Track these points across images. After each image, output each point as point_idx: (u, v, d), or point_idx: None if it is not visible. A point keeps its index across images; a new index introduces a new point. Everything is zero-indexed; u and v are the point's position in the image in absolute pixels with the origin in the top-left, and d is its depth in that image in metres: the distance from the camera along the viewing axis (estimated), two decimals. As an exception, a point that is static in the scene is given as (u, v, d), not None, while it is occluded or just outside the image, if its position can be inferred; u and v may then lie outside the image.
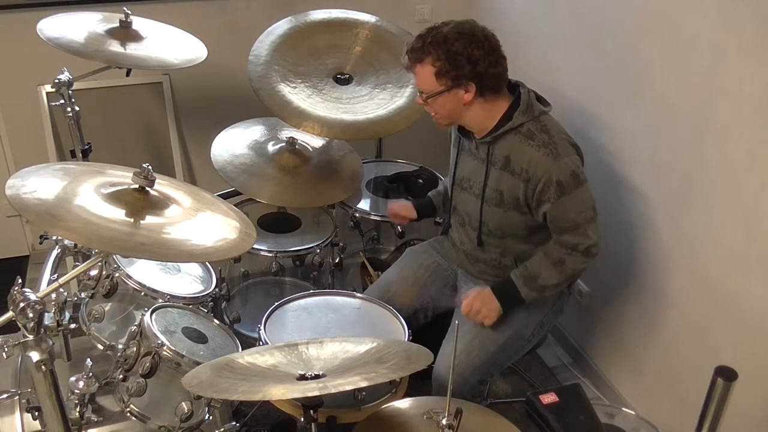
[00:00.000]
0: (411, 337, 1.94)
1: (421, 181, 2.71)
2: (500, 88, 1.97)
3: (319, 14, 2.69)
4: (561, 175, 1.90)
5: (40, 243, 2.15)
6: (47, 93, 2.88)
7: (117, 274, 1.93)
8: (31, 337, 1.27)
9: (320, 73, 2.59)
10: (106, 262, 1.92)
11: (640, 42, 2.22)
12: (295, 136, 2.55)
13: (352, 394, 1.75)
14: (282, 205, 2.62)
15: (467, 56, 1.88)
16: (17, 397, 1.83)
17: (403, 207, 2.40)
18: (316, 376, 1.50)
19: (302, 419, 1.59)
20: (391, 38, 2.70)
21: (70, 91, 2.34)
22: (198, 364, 1.69)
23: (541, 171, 1.90)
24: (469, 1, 3.26)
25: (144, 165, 1.55)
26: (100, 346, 1.92)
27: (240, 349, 1.91)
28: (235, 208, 1.76)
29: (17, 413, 1.86)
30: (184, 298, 2.03)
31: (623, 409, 1.99)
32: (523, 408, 1.60)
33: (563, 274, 2.00)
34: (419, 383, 1.90)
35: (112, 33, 2.37)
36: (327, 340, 1.69)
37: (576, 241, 1.95)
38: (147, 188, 1.56)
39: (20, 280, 1.36)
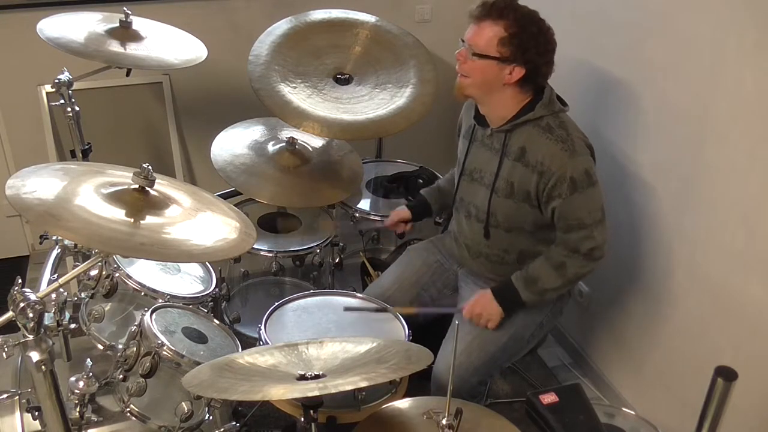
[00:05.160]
0: (411, 337, 1.94)
1: (421, 181, 2.71)
2: (539, 86, 1.96)
3: (319, 14, 2.69)
4: (575, 172, 1.89)
5: (40, 243, 2.15)
6: (47, 93, 2.87)
7: (117, 274, 1.93)
8: (31, 337, 1.28)
9: (320, 73, 2.59)
10: (106, 262, 1.92)
11: (640, 42, 2.22)
12: (295, 136, 2.55)
13: (352, 394, 1.75)
14: (282, 205, 2.62)
15: (536, 43, 1.88)
16: (17, 397, 1.83)
17: (398, 214, 2.39)
18: (316, 376, 1.50)
19: (302, 419, 1.59)
20: (391, 38, 2.70)
21: (70, 91, 2.34)
22: (198, 364, 1.69)
23: (556, 166, 1.90)
24: (470, 1, 3.26)
25: (144, 165, 1.55)
26: (100, 346, 1.92)
27: (240, 349, 1.91)
28: (235, 208, 1.76)
29: (17, 413, 1.86)
30: (184, 298, 2.03)
31: (623, 409, 1.99)
32: (523, 408, 1.60)
33: (564, 277, 1.99)
34: (419, 383, 1.90)
35: (112, 33, 2.37)
36: (327, 340, 1.69)
37: (580, 242, 1.95)
38: (147, 188, 1.56)
39: (20, 280, 1.36)
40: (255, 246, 2.31)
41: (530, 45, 1.88)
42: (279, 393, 1.44)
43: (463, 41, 1.95)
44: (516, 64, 1.89)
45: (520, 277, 2.03)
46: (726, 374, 1.21)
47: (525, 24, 1.88)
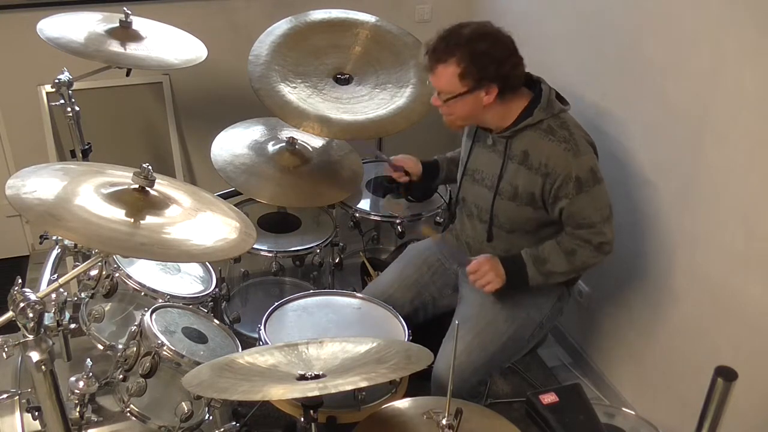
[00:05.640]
0: (411, 337, 1.94)
1: (421, 181, 2.70)
2: (519, 88, 1.96)
3: (319, 14, 2.69)
4: (580, 171, 1.90)
5: (40, 243, 2.15)
6: (47, 93, 2.87)
7: (117, 274, 1.93)
8: (31, 337, 1.28)
9: (320, 73, 2.59)
10: (106, 262, 1.92)
11: (640, 42, 2.22)
12: (295, 136, 2.55)
13: (352, 394, 1.75)
14: (282, 205, 2.62)
15: (491, 57, 1.87)
16: (17, 397, 1.83)
17: (408, 159, 2.36)
18: (316, 376, 1.50)
19: (302, 419, 1.59)
20: (391, 38, 2.70)
21: (70, 91, 2.34)
22: (198, 364, 1.69)
23: (561, 166, 1.90)
24: (470, 1, 3.26)
25: (144, 165, 1.55)
26: (100, 346, 1.92)
27: (240, 349, 1.91)
28: (235, 208, 1.76)
29: (17, 413, 1.86)
30: (184, 298, 2.03)
31: (623, 409, 1.99)
32: (523, 408, 1.60)
33: (572, 264, 1.99)
34: (419, 383, 1.90)
35: (112, 33, 2.37)
36: (327, 340, 1.69)
37: (590, 236, 1.96)
38: (147, 188, 1.56)
39: (20, 280, 1.36)
40: (255, 246, 2.31)
41: (487, 63, 1.87)
42: (279, 393, 1.44)
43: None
44: (485, 86, 1.90)
45: (530, 253, 2.02)
46: (726, 374, 1.21)
47: (473, 50, 1.87)
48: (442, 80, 1.93)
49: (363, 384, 1.42)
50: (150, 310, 1.84)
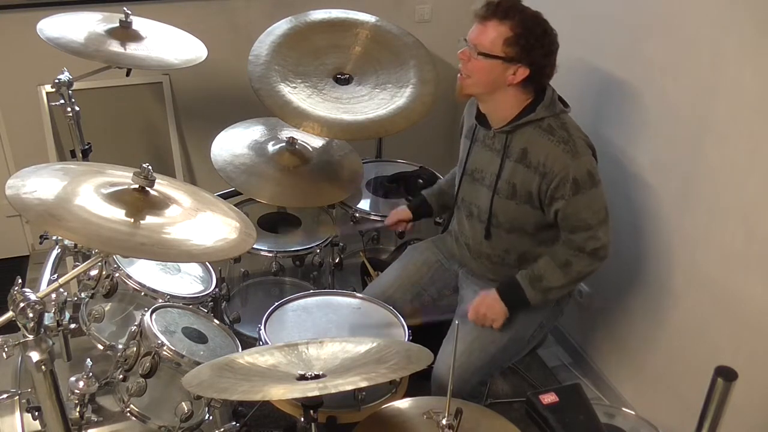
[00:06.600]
0: (411, 337, 1.94)
1: (421, 181, 2.71)
2: (542, 86, 1.96)
3: (319, 14, 2.69)
4: (578, 173, 1.89)
5: (40, 243, 2.15)
6: (47, 93, 2.87)
7: (117, 274, 1.93)
8: (31, 337, 1.28)
9: (320, 73, 2.59)
10: (106, 262, 1.92)
11: (640, 42, 2.22)
12: (295, 136, 2.55)
13: (352, 394, 1.75)
14: (282, 205, 2.62)
15: (542, 43, 1.89)
16: (17, 397, 1.83)
17: (397, 213, 2.40)
18: (316, 376, 1.50)
19: (302, 419, 1.59)
20: (391, 38, 2.70)
21: (70, 91, 2.34)
22: (198, 364, 1.69)
23: (559, 167, 1.89)
24: (470, 1, 3.26)
25: (144, 165, 1.55)
26: (100, 346, 1.92)
27: (240, 349, 1.91)
28: (235, 208, 1.76)
29: (17, 413, 1.86)
30: (184, 298, 2.03)
31: (623, 409, 1.99)
32: (523, 408, 1.60)
33: (569, 276, 1.99)
34: (419, 383, 1.90)
35: (112, 33, 2.37)
36: (327, 340, 1.69)
37: (585, 242, 1.95)
38: (147, 188, 1.56)
39: (20, 280, 1.36)
40: (255, 246, 2.31)
41: (536, 46, 1.88)
42: (279, 393, 1.44)
43: (465, 40, 1.95)
44: (520, 65, 1.89)
45: (525, 275, 2.02)
46: (726, 374, 1.21)
47: (530, 25, 1.88)
48: (487, 35, 1.89)
49: (363, 384, 1.42)
50: (150, 310, 1.84)
